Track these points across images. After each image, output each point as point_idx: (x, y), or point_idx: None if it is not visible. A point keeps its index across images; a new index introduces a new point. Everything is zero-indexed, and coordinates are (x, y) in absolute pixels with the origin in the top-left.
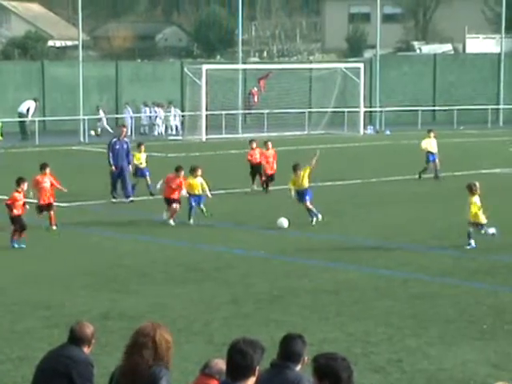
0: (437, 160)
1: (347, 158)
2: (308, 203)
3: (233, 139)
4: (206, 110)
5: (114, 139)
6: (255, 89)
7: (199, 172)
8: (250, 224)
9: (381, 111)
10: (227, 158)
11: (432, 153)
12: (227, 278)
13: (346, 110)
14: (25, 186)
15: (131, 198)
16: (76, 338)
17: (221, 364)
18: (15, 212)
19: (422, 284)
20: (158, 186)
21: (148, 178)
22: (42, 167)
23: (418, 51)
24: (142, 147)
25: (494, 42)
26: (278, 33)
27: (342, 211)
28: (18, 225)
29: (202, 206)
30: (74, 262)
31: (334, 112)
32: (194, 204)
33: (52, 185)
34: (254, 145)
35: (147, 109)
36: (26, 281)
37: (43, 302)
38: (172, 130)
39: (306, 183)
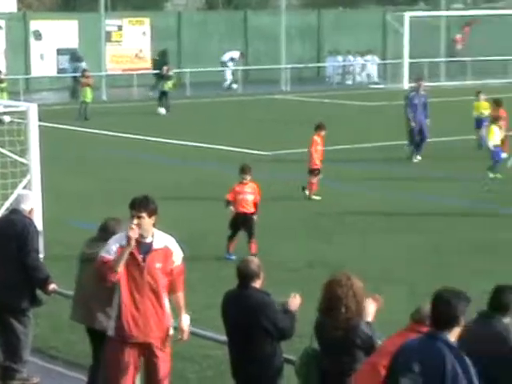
0: None
1: None
2: None
3: (435, 87)
4: (409, 57)
5: (412, 93)
6: (459, 36)
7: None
8: (448, 171)
9: None
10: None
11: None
12: (430, 227)
13: None
14: None
15: (419, 158)
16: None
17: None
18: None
19: None
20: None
21: (482, 129)
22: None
23: None
24: (481, 96)
25: None
26: None
27: None
28: None
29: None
30: (285, 212)
31: None
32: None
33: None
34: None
35: (349, 57)
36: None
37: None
38: (372, 79)
39: None
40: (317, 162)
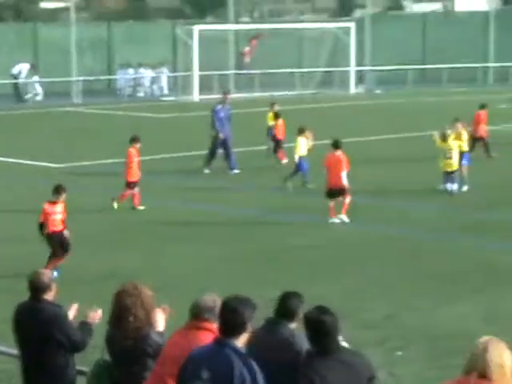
0: None
1: (338, 116)
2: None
3: None
4: (199, 70)
5: (219, 106)
6: (247, 49)
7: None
8: (245, 182)
9: (371, 70)
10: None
11: None
12: (222, 236)
13: (336, 69)
14: None
15: (236, 171)
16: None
17: (209, 301)
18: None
19: (415, 241)
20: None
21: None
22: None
23: (407, 10)
24: (275, 107)
25: (484, 0)
26: None
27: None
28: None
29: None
30: (81, 225)
31: (325, 71)
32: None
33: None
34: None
35: (140, 69)
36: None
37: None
38: (163, 91)
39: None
40: (134, 175)
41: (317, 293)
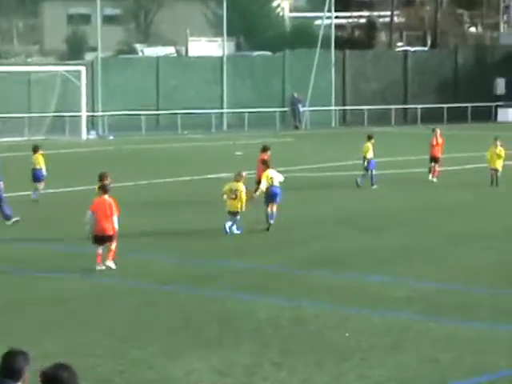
0: None
1: (70, 163)
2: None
3: None
4: None
5: None
6: None
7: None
8: None
9: (103, 115)
10: None
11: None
12: None
13: (67, 114)
14: None
15: (15, 219)
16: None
17: None
18: None
19: (145, 292)
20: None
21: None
22: None
23: (140, 54)
24: (40, 151)
25: (217, 45)
26: None
27: (64, 219)
28: None
29: None
30: None
31: (55, 116)
32: None
33: None
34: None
35: None
36: None
37: None
38: None
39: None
40: None
41: (47, 350)
